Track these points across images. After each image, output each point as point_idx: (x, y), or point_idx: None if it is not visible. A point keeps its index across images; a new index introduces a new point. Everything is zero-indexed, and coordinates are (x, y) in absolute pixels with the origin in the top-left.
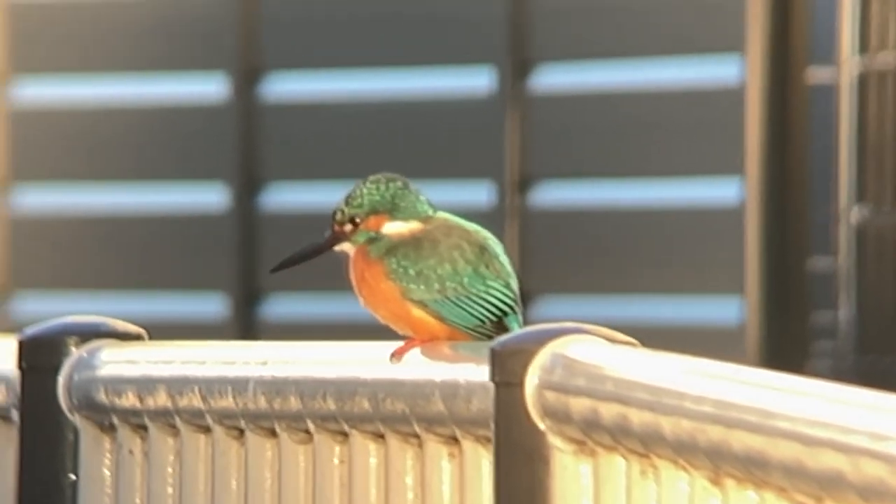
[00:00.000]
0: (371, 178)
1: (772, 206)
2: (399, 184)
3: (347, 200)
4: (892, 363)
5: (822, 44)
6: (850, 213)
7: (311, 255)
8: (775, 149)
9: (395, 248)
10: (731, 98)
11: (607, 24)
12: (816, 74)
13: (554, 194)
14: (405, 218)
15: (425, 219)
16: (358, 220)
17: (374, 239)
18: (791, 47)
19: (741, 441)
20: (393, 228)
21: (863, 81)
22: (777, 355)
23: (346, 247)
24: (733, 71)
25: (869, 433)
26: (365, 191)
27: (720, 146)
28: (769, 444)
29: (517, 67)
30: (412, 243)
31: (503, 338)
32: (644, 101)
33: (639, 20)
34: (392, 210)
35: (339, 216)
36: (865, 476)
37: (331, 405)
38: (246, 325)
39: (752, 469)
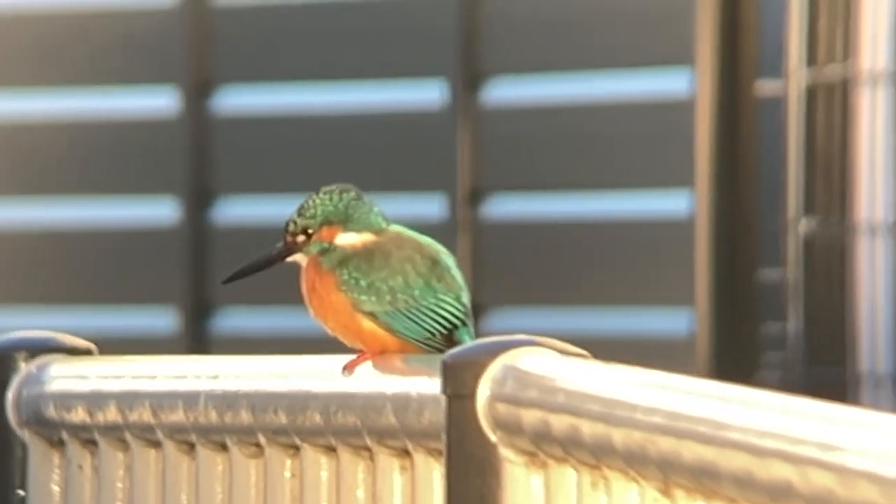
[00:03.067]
0: (324, 188)
1: (721, 218)
2: (353, 195)
3: (300, 211)
4: (840, 374)
5: (771, 57)
6: (798, 225)
7: (264, 265)
8: (725, 161)
9: (347, 259)
10: (680, 110)
11: (558, 38)
12: (765, 87)
13: (505, 207)
14: (358, 229)
15: (378, 230)
16: (311, 230)
17: (327, 250)
18: (740, 60)
19: (692, 452)
20: (346, 239)
21: (811, 94)
22: (727, 366)
23: (298, 258)
24: (683, 83)
25: (817, 443)
26: (318, 201)
27: (670, 158)
28: (719, 454)
29: (469, 80)
30: (364, 255)
31: (455, 350)
32: (595, 113)
33: (589, 33)
34: (345, 221)
35: (291, 227)
36: (814, 486)
37: (282, 419)
38: (197, 339)
39: (703, 480)
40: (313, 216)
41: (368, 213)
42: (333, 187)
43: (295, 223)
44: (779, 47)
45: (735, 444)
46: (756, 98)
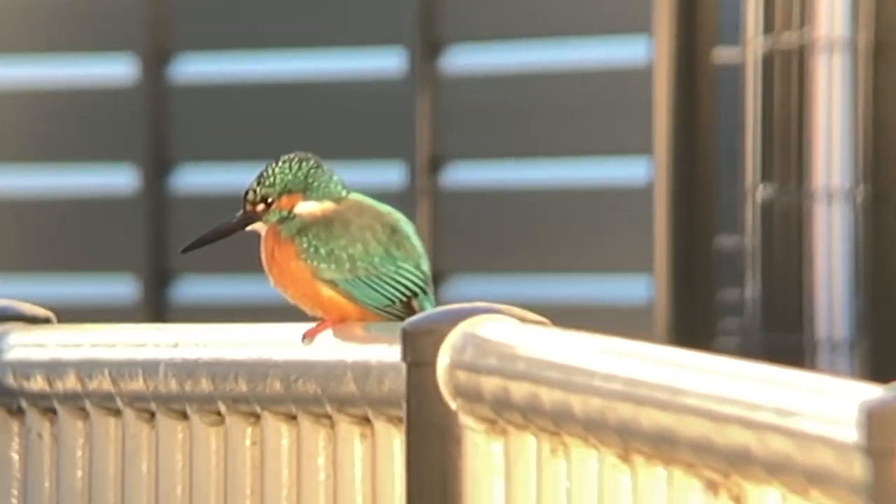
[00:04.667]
0: (284, 157)
1: (679, 186)
2: (312, 163)
3: (260, 180)
4: (797, 340)
5: (729, 24)
6: (756, 192)
7: (223, 234)
8: (683, 128)
9: (307, 227)
10: (638, 78)
11: (517, 5)
12: (723, 54)
13: (465, 175)
14: (318, 198)
15: (338, 199)
16: (270, 199)
17: (286, 218)
18: (698, 28)
19: (650, 418)
20: (305, 208)
21: (768, 61)
22: (685, 333)
23: (258, 226)
24: (641, 51)
25: (775, 409)
26: (277, 170)
27: (628, 126)
28: (678, 420)
29: (427, 48)
30: (323, 223)
31: (415, 318)
32: (553, 81)
33: (547, 1)
34: (305, 189)
35: (251, 196)
36: (772, 451)
37: (242, 387)
38: (156, 308)
39: (661, 446)
40: (273, 185)
41: (328, 181)
42: (293, 156)
43: (254, 192)
44: (736, 15)
45: (693, 410)
46: (713, 66)
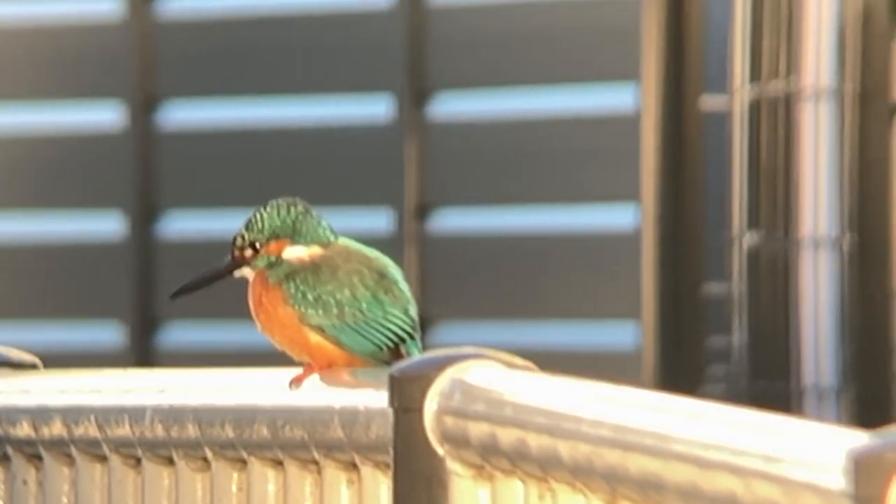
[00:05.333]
0: (272, 202)
1: (667, 232)
2: (300, 208)
3: (248, 225)
4: (784, 387)
5: (716, 72)
6: (743, 239)
7: (211, 280)
8: (670, 175)
9: (294, 273)
10: (626, 125)
11: (504, 52)
12: (710, 102)
13: (452, 221)
14: (306, 242)
15: (326, 244)
16: (258, 244)
17: (274, 264)
18: (685, 75)
19: (637, 464)
20: (293, 253)
21: (755, 109)
22: (672, 379)
23: (245, 272)
24: (628, 98)
25: (762, 455)
26: (265, 215)
27: (616, 173)
28: (665, 466)
29: (415, 95)
30: (311, 268)
31: (402, 364)
32: (540, 128)
33: (535, 49)
34: (293, 235)
35: (239, 241)
36: (758, 497)
37: (229, 432)
38: (143, 354)
39: (649, 492)
40: (261, 230)
41: (316, 226)
42: (281, 201)
43: (243, 237)
44: (723, 63)
45: (680, 456)
46: (701, 113)
